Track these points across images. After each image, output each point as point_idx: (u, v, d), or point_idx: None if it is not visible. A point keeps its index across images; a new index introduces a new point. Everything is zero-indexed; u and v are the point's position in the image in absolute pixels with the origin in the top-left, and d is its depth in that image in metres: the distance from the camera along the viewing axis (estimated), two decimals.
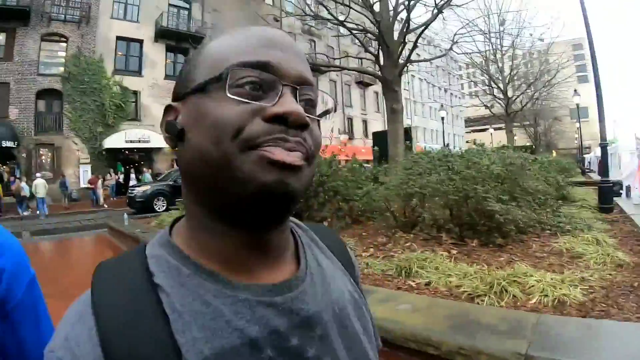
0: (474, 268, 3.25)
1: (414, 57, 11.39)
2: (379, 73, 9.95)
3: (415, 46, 9.79)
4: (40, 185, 14.04)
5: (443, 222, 4.55)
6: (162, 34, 20.49)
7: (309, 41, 27.87)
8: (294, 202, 0.40)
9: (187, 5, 21.89)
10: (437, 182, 4.49)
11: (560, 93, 27.32)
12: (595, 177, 13.51)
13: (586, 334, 1.99)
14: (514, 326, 2.07)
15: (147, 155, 19.96)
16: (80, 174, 17.99)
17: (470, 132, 56.19)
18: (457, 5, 10.22)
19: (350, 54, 14.74)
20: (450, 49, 12.00)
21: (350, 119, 31.90)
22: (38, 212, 14.07)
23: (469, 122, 58.30)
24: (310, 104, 0.42)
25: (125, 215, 8.82)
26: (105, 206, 16.07)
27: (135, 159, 20.29)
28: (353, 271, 0.55)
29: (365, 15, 9.76)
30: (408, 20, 9.63)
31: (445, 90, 48.89)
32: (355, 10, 9.79)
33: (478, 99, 28.47)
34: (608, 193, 6.95)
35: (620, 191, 8.50)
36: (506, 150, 6.12)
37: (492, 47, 21.99)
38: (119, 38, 19.45)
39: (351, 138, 30.36)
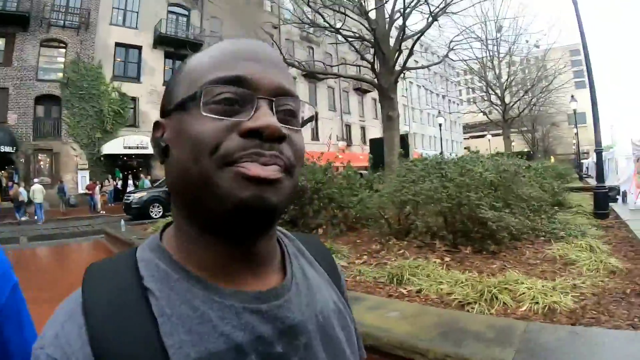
0: (465, 275, 3.25)
1: (410, 64, 11.43)
2: (376, 80, 9.99)
3: (411, 53, 9.82)
4: (37, 191, 13.97)
5: (436, 230, 4.56)
6: (160, 41, 20.58)
7: (308, 48, 28.01)
8: (275, 215, 0.40)
9: (186, 12, 22.02)
10: (430, 190, 4.50)
11: (558, 99, 27.37)
12: (593, 182, 13.51)
13: (573, 341, 1.99)
14: (501, 334, 2.07)
15: (145, 161, 19.92)
16: (79, 180, 17.95)
17: (468, 139, 56.46)
18: (453, 13, 10.27)
19: (348, 61, 14.78)
20: (447, 55, 12.03)
21: (348, 126, 31.93)
22: (35, 217, 14.03)
23: (466, 128, 58.49)
24: (290, 114, 0.42)
25: (122, 222, 8.83)
26: (103, 212, 16.01)
27: (134, 165, 20.30)
28: (339, 281, 0.56)
29: (361, 23, 9.81)
30: (404, 27, 9.69)
31: (443, 97, 49.10)
32: (351, 18, 9.84)
33: (476, 105, 28.56)
34: (603, 199, 6.94)
35: (617, 197, 8.49)
36: (500, 158, 6.14)
37: (489, 53, 22.10)
38: (117, 44, 19.54)
39: (349, 144, 30.43)
